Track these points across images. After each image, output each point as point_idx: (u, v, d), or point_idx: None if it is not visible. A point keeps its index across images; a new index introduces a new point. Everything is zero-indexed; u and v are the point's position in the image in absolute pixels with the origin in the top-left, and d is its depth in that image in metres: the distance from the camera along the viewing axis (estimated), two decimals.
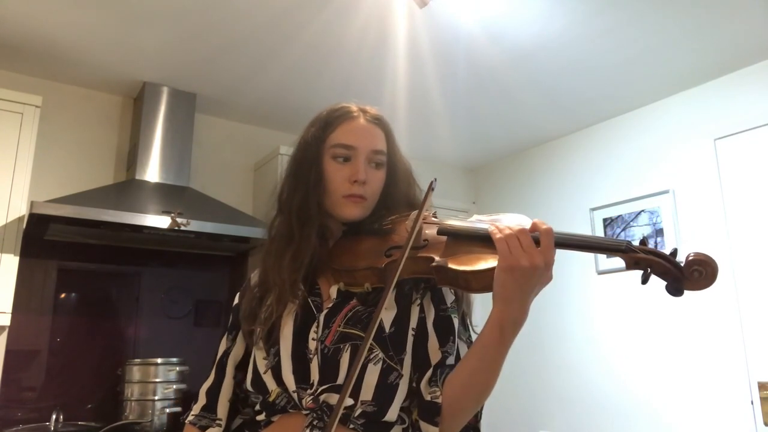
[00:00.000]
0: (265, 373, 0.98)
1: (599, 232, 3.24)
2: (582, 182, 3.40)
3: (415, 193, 1.11)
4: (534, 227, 0.86)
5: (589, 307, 3.23)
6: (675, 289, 0.83)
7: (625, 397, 2.98)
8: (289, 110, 3.08)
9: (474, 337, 1.06)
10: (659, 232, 2.95)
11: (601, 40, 2.46)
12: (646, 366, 2.91)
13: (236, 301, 1.15)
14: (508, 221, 0.93)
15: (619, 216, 3.16)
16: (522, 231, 0.84)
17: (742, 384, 2.54)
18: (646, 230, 3.01)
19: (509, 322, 0.85)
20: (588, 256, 3.17)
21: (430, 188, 0.98)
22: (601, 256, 3.11)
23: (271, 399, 0.96)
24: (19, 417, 2.42)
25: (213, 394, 1.10)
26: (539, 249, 0.84)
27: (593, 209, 3.29)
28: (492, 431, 3.53)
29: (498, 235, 0.85)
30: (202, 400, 1.11)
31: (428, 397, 0.93)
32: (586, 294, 3.24)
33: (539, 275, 0.83)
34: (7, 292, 2.19)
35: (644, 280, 0.84)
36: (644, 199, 3.04)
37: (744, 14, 2.29)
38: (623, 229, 3.12)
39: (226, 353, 1.11)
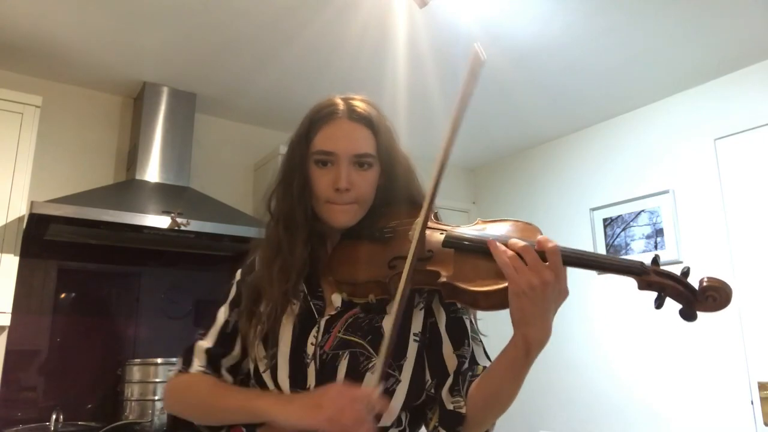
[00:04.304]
0: (264, 372, 0.98)
1: (599, 232, 3.24)
2: (582, 182, 3.40)
3: (417, 188, 1.07)
4: (540, 245, 0.83)
5: (589, 307, 3.23)
6: (687, 315, 0.81)
7: (625, 397, 2.98)
8: (289, 110, 3.08)
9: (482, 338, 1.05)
10: (659, 232, 2.95)
11: (601, 40, 2.46)
12: (646, 366, 2.91)
13: (238, 277, 1.10)
14: (511, 232, 0.90)
15: (619, 216, 3.16)
16: (525, 248, 0.81)
17: (742, 384, 2.54)
18: (646, 230, 3.01)
19: (535, 343, 0.84)
20: None
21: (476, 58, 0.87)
22: None
23: None
24: (19, 417, 2.42)
25: (215, 357, 1.03)
26: (547, 265, 0.80)
27: (593, 209, 3.29)
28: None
29: (501, 259, 0.81)
30: (202, 356, 1.03)
31: (451, 407, 0.93)
32: (586, 294, 3.24)
33: (552, 291, 0.80)
34: (7, 292, 2.19)
35: (658, 305, 0.81)
36: (644, 199, 3.04)
37: (744, 14, 2.29)
38: (623, 229, 3.12)
39: (230, 324, 1.05)
